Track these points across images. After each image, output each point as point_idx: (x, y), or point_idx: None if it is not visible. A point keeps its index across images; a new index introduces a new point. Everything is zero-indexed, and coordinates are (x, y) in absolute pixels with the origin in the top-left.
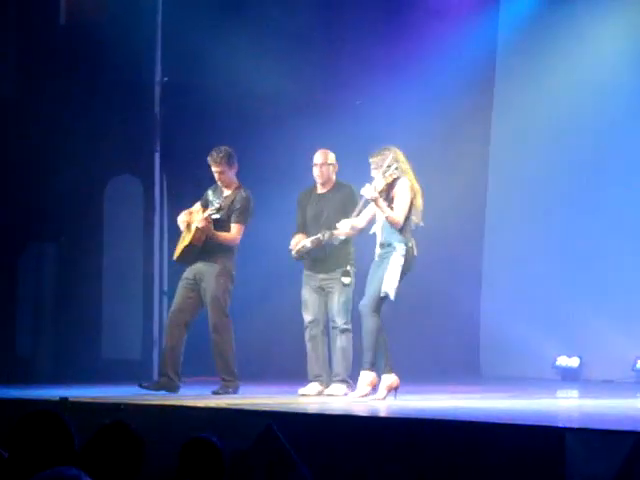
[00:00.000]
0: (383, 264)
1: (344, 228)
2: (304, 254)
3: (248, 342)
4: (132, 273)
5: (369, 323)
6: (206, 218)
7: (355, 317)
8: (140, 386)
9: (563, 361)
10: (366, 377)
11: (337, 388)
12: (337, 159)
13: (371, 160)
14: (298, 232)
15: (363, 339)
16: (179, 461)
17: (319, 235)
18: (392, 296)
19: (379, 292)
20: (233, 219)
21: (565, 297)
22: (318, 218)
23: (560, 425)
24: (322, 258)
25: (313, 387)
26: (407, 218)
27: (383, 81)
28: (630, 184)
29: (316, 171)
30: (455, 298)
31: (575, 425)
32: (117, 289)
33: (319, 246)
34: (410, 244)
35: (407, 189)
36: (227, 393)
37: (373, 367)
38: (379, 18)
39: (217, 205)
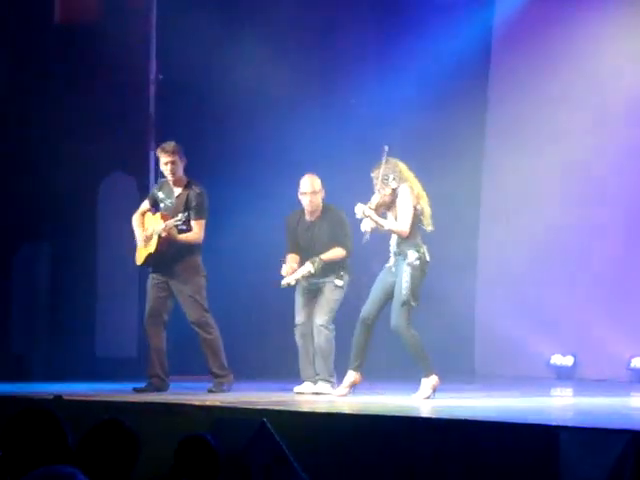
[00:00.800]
0: (398, 275)
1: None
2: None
3: (243, 340)
4: (127, 271)
5: (409, 338)
6: (170, 228)
7: (349, 321)
8: (134, 390)
9: (557, 360)
10: (429, 381)
11: (322, 386)
12: (332, 158)
13: (372, 175)
14: (290, 253)
15: (410, 353)
16: (174, 459)
17: (309, 269)
18: (414, 303)
19: (402, 306)
20: (192, 216)
21: (560, 296)
22: (311, 248)
23: (554, 423)
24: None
25: (307, 386)
26: (414, 224)
27: (377, 79)
28: (626, 182)
29: (305, 200)
30: (450, 296)
31: (569, 424)
32: (112, 287)
33: (309, 277)
34: (422, 250)
35: (408, 196)
36: (222, 389)
37: (432, 372)
38: (373, 16)
39: (181, 217)
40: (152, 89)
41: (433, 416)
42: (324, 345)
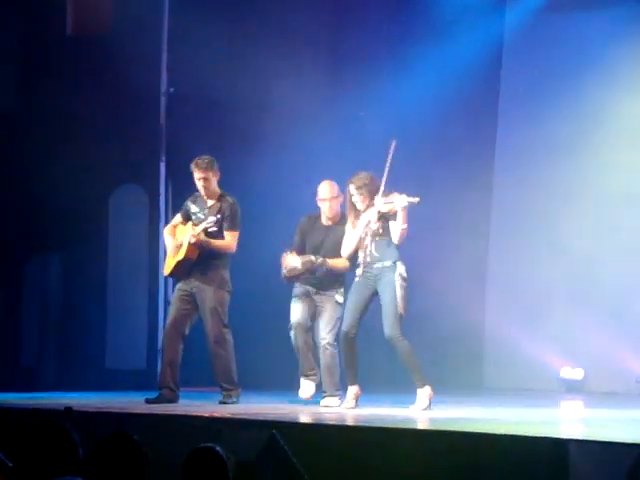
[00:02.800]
0: (386, 285)
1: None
2: (294, 277)
3: (251, 351)
4: (137, 283)
5: (403, 347)
6: (199, 233)
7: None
8: (146, 401)
9: (567, 373)
10: (424, 392)
11: (330, 400)
12: (340, 170)
13: (353, 183)
14: (293, 251)
15: (404, 364)
16: (183, 471)
17: (312, 257)
18: (404, 313)
19: (397, 316)
20: (226, 227)
21: (569, 309)
22: (318, 249)
23: (564, 437)
24: (316, 277)
25: (308, 385)
26: None
27: (387, 88)
28: (636, 194)
29: (325, 206)
30: (459, 309)
31: (579, 437)
32: (122, 299)
33: (309, 270)
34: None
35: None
36: (232, 401)
37: (425, 382)
38: (383, 23)
39: (213, 219)
40: (163, 101)
41: (441, 428)
42: (331, 362)
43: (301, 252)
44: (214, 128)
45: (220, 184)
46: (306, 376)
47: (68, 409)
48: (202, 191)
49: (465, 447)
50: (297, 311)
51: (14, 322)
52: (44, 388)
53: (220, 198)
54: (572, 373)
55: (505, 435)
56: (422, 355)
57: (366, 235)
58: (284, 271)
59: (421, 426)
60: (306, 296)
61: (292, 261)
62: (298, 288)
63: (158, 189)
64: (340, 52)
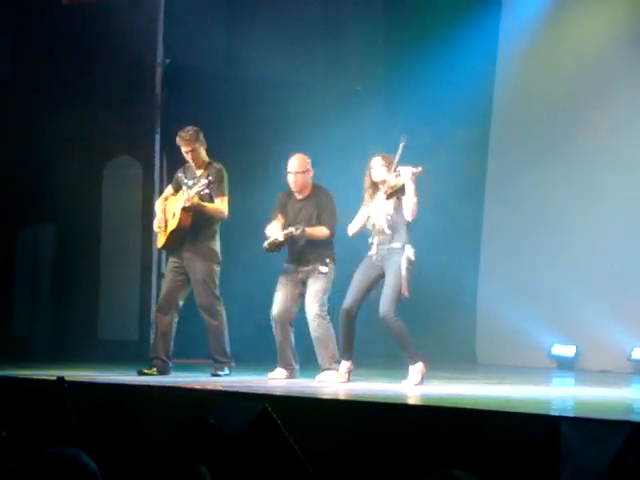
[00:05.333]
0: (391, 266)
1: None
2: (275, 247)
3: (244, 326)
4: (130, 254)
5: (397, 327)
6: (192, 197)
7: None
8: (139, 373)
9: (559, 350)
10: (416, 368)
11: (327, 375)
12: (338, 144)
13: (382, 162)
14: (273, 220)
15: (398, 342)
16: (175, 441)
17: (291, 229)
18: (408, 295)
19: (395, 297)
20: (215, 193)
21: (562, 286)
22: (294, 222)
23: (555, 414)
24: (299, 250)
25: (280, 372)
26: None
27: (384, 73)
28: (630, 175)
29: (291, 179)
30: (452, 286)
31: (570, 414)
32: (115, 270)
33: (290, 240)
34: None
35: (414, 188)
36: (224, 374)
37: (418, 359)
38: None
39: (205, 181)
40: (159, 72)
41: (433, 404)
42: (322, 334)
43: (281, 225)
44: (210, 100)
45: (213, 154)
46: (282, 367)
47: (60, 379)
48: (191, 162)
49: (455, 423)
50: (278, 302)
51: (6, 292)
52: (36, 358)
53: (208, 166)
54: (564, 350)
55: (496, 412)
56: (415, 332)
57: (379, 214)
58: (265, 243)
59: (411, 401)
60: (288, 280)
61: (273, 232)
62: (282, 275)
63: (153, 160)
64: (337, 25)
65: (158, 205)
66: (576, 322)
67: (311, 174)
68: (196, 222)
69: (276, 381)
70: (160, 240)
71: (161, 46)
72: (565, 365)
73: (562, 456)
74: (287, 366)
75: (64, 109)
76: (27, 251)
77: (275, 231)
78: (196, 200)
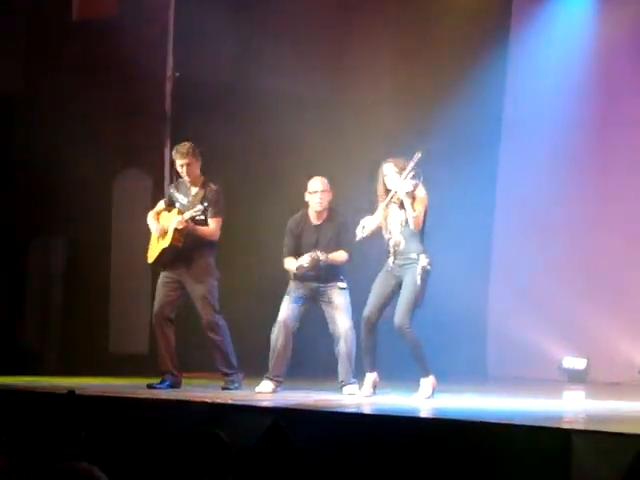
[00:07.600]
0: (407, 275)
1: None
2: (302, 274)
3: (254, 339)
4: (140, 267)
5: (412, 338)
6: (187, 220)
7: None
8: (148, 387)
9: (570, 363)
10: (428, 381)
11: (352, 388)
12: (342, 159)
13: (394, 168)
14: (288, 257)
15: (412, 353)
16: (187, 454)
17: (316, 254)
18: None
19: (410, 307)
20: (210, 214)
21: (572, 299)
22: (313, 248)
23: (566, 427)
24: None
25: (267, 385)
26: (424, 226)
27: (390, 80)
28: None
29: (315, 199)
30: (463, 297)
31: (581, 427)
32: (125, 283)
33: (316, 266)
34: (430, 257)
35: (425, 196)
36: (235, 387)
37: (431, 372)
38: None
39: (199, 208)
40: (168, 86)
41: (443, 417)
42: (351, 348)
43: (297, 254)
44: (220, 113)
45: (222, 168)
46: (269, 379)
47: (71, 393)
48: (185, 177)
49: (465, 436)
50: (286, 309)
51: (18, 306)
52: (47, 371)
53: (204, 185)
54: (575, 363)
55: (507, 425)
56: (426, 343)
57: (393, 223)
58: (293, 271)
59: (422, 415)
60: (298, 295)
61: (301, 261)
62: (301, 290)
63: (162, 174)
64: (346, 38)
65: (150, 216)
66: (587, 335)
67: (331, 196)
68: (193, 239)
69: (288, 393)
70: (151, 253)
71: (171, 60)
72: (576, 378)
73: (573, 469)
74: (275, 377)
75: (73, 124)
76: (38, 265)
77: (301, 259)
78: (190, 223)
